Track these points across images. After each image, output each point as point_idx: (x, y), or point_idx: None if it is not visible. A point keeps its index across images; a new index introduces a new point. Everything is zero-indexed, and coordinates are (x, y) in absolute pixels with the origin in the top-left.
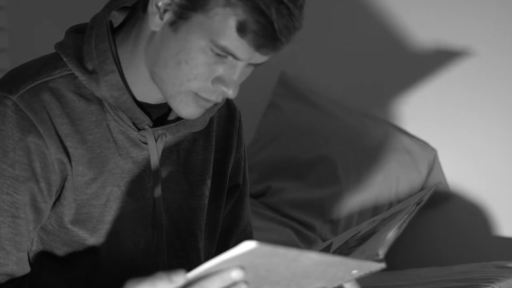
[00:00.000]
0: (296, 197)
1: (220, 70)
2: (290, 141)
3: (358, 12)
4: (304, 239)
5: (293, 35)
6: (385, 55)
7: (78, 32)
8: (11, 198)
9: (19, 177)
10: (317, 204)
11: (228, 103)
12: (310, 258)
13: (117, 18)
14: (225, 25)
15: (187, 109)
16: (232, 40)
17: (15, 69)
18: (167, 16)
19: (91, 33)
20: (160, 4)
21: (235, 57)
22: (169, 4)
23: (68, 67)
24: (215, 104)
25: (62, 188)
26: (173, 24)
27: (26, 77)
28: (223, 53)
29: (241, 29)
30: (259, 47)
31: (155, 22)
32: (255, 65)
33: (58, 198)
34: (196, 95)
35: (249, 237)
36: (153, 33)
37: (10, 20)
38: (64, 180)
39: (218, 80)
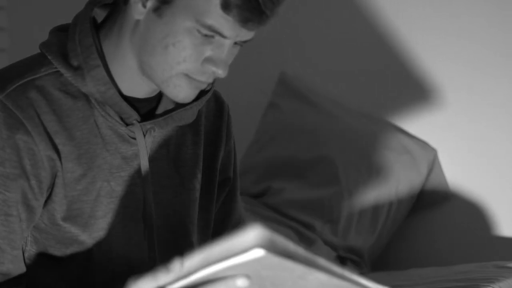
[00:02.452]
0: (296, 197)
1: (208, 50)
2: (290, 141)
3: (358, 13)
4: (304, 239)
5: (278, 8)
6: (385, 56)
7: (62, 31)
8: (2, 197)
9: (10, 174)
10: (317, 204)
11: (216, 97)
12: (318, 278)
13: (99, 15)
14: (209, 4)
15: (181, 92)
16: (217, 18)
17: (1, 69)
18: (150, 3)
19: (75, 30)
20: None
21: (222, 35)
22: None
23: (54, 65)
24: (203, 96)
25: (52, 185)
26: (157, 10)
27: (12, 76)
28: (210, 33)
29: (225, 5)
30: (244, 22)
31: (138, 10)
32: (242, 44)
33: (49, 195)
34: (187, 76)
35: None
36: (137, 22)
37: (10, 20)
38: (54, 176)
39: (207, 60)
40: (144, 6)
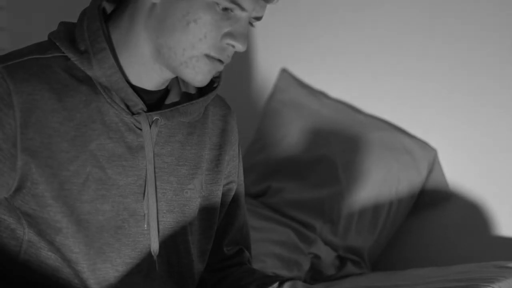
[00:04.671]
0: (296, 197)
1: (227, 26)
2: (290, 141)
3: (358, 12)
4: (304, 239)
5: None
6: (385, 55)
7: (70, 22)
8: None
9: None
10: (317, 204)
11: (222, 103)
12: None
13: (108, 8)
14: None
15: (199, 74)
16: None
17: (9, 52)
18: None
19: (83, 17)
20: None
21: (241, 7)
22: None
23: (61, 50)
24: (209, 93)
25: (31, 167)
26: None
27: (18, 54)
28: (230, 5)
29: None
30: None
31: None
32: (253, 23)
33: (31, 178)
34: (207, 57)
35: (245, 237)
36: (153, 6)
37: (10, 20)
38: (30, 156)
39: (227, 35)
40: None
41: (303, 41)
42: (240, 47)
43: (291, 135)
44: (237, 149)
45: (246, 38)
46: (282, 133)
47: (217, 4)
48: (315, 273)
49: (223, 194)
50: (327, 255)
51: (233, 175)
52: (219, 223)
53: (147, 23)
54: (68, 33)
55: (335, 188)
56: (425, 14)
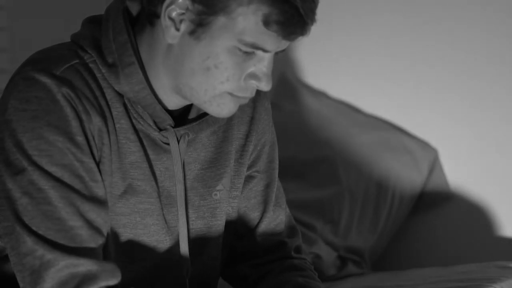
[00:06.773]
0: (296, 197)
1: (250, 66)
2: (290, 141)
3: (358, 13)
4: (305, 239)
5: (316, 15)
6: (386, 55)
7: (94, 23)
8: (88, 164)
9: (84, 146)
10: (317, 204)
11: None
12: None
13: (132, 7)
14: (251, 22)
15: (224, 109)
16: (259, 35)
17: (40, 52)
18: (184, 26)
19: (108, 25)
20: (174, 15)
21: (264, 50)
22: (183, 14)
23: (92, 56)
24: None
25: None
26: (193, 33)
27: (59, 58)
28: (252, 50)
29: (268, 22)
30: (288, 35)
31: (172, 34)
32: (279, 52)
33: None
34: (231, 94)
35: (288, 226)
36: (170, 46)
37: (10, 20)
38: (99, 160)
39: (250, 76)
40: (177, 29)
41: (303, 41)
42: (264, 88)
43: (291, 135)
44: (263, 138)
45: (270, 77)
46: (282, 133)
47: (239, 49)
48: None
49: (244, 182)
50: (328, 255)
51: (257, 165)
52: (248, 215)
53: (165, 61)
54: (94, 40)
55: (335, 188)
56: (426, 14)
